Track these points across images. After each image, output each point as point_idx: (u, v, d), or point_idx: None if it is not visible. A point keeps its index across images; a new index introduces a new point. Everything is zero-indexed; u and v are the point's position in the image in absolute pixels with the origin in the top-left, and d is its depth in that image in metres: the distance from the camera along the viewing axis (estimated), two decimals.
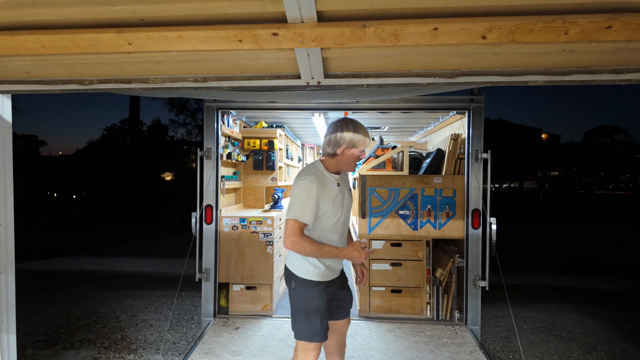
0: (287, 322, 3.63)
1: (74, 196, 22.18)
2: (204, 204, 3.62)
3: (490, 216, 3.32)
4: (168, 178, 24.09)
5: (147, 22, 1.49)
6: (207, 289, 3.68)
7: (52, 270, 6.91)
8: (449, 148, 3.89)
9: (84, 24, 1.50)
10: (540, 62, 1.80)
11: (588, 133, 37.48)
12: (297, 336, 2.09)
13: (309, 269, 2.03)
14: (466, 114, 3.55)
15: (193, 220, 3.46)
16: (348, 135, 1.90)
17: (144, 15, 1.45)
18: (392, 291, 3.78)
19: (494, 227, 3.27)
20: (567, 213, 18.01)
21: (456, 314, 3.70)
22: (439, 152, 4.11)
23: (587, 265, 7.51)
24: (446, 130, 4.51)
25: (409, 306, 3.78)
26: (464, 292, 3.58)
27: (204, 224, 3.65)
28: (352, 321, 2.52)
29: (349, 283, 2.31)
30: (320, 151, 2.29)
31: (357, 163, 2.10)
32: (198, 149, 3.65)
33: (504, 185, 29.91)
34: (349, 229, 2.29)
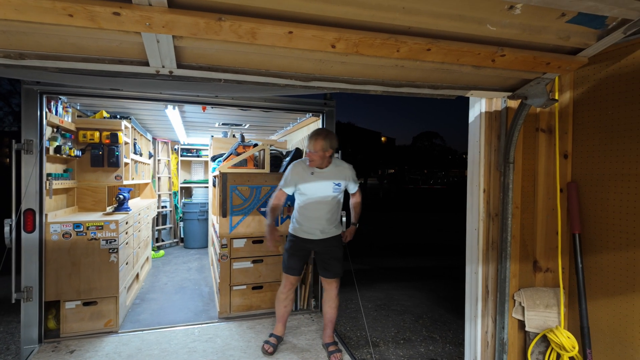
0: (136, 336, 3.28)
1: None
2: (23, 208, 2.95)
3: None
4: None
5: None
6: (29, 311, 3.03)
7: None
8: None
9: None
10: (379, 74, 2.07)
11: (416, 137, 45.01)
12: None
13: (291, 226, 3.12)
14: (320, 116, 3.82)
15: (7, 229, 2.79)
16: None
17: None
18: (254, 288, 3.81)
19: (344, 219, 3.60)
20: (401, 205, 21.24)
21: (312, 302, 3.96)
22: (298, 151, 4.31)
23: (415, 247, 9.00)
24: (304, 131, 4.77)
25: (269, 300, 3.86)
26: (318, 281, 3.85)
27: (23, 232, 2.98)
28: (211, 324, 3.54)
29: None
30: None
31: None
32: (14, 141, 2.95)
33: None
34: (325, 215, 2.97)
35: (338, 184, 2.94)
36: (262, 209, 3.78)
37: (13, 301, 2.93)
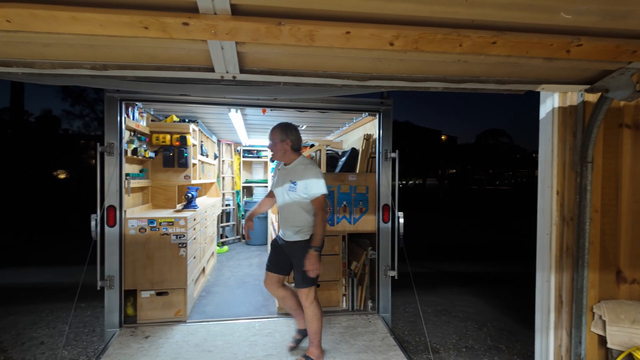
0: (202, 326, 3.49)
1: None
2: (106, 204, 3.28)
3: (398, 210, 3.58)
4: (61, 176, 21.25)
5: None
6: (111, 298, 3.36)
7: None
8: (362, 147, 4.10)
9: None
10: (439, 70, 2.00)
11: (479, 135, 42.66)
12: None
13: None
14: (377, 115, 3.77)
15: (93, 223, 3.11)
16: None
17: None
18: None
19: (401, 220, 3.53)
20: (463, 206, 20.25)
21: (369, 304, 3.93)
22: (354, 151, 4.31)
23: (479, 251, 8.54)
24: (359, 131, 4.74)
25: (326, 299, 3.90)
26: (376, 283, 3.81)
27: (106, 226, 3.31)
28: (271, 319, 3.62)
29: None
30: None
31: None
32: (98, 144, 3.29)
33: (410, 182, 32.52)
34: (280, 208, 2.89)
35: (294, 183, 2.74)
36: None
37: (98, 288, 3.27)
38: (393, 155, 3.67)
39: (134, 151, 3.74)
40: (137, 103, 3.78)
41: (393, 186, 3.69)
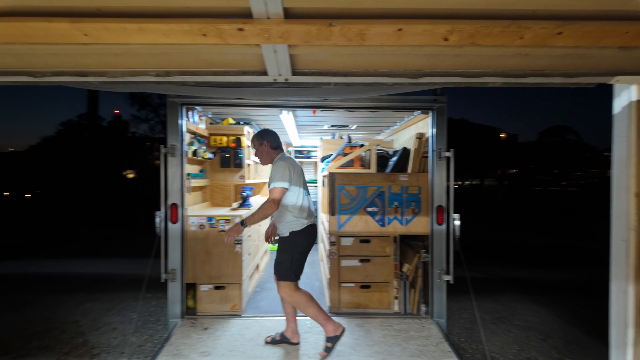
0: (256, 321, 3.61)
1: (28, 195, 20.87)
2: (169, 202, 3.51)
3: (454, 212, 3.44)
4: (130, 176, 23.12)
5: (105, 13, 1.43)
6: (174, 290, 3.59)
7: (2, 274, 6.48)
8: (414, 146, 3.99)
9: (34, 11, 1.42)
10: (497, 65, 1.89)
11: (543, 132, 39.61)
12: None
13: None
14: (430, 113, 3.65)
15: (157, 220, 3.35)
16: None
17: (100, 5, 1.39)
18: (362, 287, 3.85)
19: (457, 222, 3.39)
20: (526, 209, 18.98)
21: (422, 308, 3.82)
22: (405, 151, 4.21)
23: (543, 256, 7.95)
24: (411, 129, 4.63)
25: (377, 301, 3.85)
26: (429, 286, 3.70)
27: (169, 223, 3.54)
28: None
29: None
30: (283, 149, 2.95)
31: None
32: (162, 146, 3.53)
33: (466, 183, 31.08)
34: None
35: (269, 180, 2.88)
36: (369, 209, 3.79)
37: (162, 281, 3.51)
38: (447, 154, 3.54)
39: (194, 152, 3.96)
40: (196, 107, 4.00)
41: (448, 186, 3.55)
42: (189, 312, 3.75)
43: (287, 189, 2.82)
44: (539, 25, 1.46)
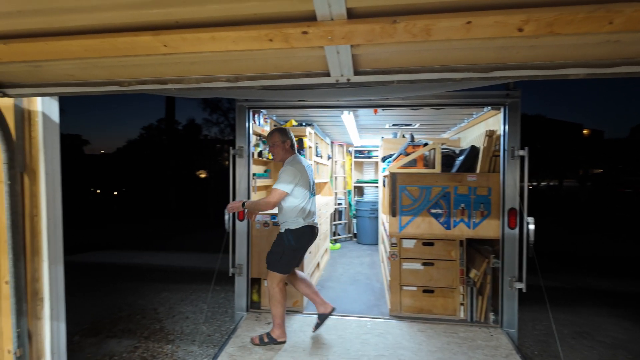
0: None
1: (116, 193, 23.29)
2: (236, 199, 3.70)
3: (528, 215, 3.19)
4: (202, 176, 24.77)
5: (181, 24, 1.54)
6: (240, 284, 3.77)
7: (94, 263, 7.32)
8: (483, 145, 3.77)
9: (122, 27, 1.58)
10: (580, 54, 1.71)
11: (635, 128, 35.04)
12: None
13: None
14: (501, 109, 3.43)
15: (226, 217, 3.54)
16: None
17: (178, 17, 1.51)
18: (424, 291, 3.72)
19: (531, 227, 3.14)
20: (612, 213, 16.97)
21: (491, 316, 3.59)
22: (473, 149, 3.99)
23: (634, 265, 7.05)
24: (480, 127, 4.38)
25: (441, 306, 3.70)
26: (499, 294, 3.47)
27: (237, 220, 3.73)
28: (382, 320, 3.66)
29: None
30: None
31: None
32: (230, 148, 3.74)
33: (542, 184, 28.59)
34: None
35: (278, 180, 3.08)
36: (433, 211, 3.65)
37: (230, 275, 3.71)
38: (521, 152, 3.29)
39: (260, 153, 4.13)
40: (262, 110, 4.17)
41: (521, 188, 3.30)
42: (254, 305, 3.92)
43: (287, 194, 3.04)
44: (632, 7, 1.29)
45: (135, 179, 22.04)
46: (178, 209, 16.63)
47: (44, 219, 2.37)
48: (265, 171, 4.55)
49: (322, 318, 3.33)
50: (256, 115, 4.09)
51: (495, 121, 3.75)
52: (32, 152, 2.37)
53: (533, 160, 2.70)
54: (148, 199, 19.44)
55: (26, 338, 2.28)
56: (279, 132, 3.21)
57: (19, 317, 2.23)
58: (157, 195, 18.62)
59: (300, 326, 3.51)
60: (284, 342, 3.16)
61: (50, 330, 2.39)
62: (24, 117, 2.35)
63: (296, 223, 3.12)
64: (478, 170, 3.76)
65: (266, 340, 3.14)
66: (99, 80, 2.08)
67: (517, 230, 3.38)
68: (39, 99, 2.37)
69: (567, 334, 3.92)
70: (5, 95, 2.10)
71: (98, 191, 23.25)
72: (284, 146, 3.19)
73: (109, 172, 23.26)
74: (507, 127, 3.36)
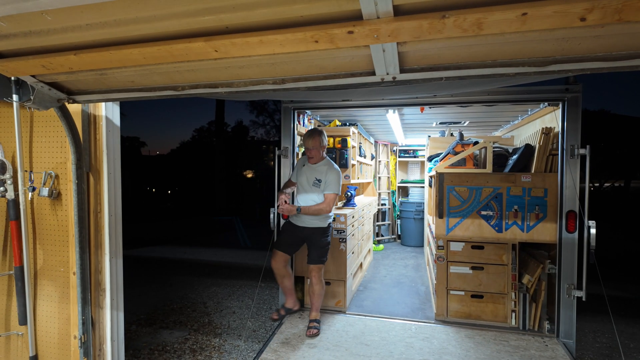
0: (360, 320, 3.65)
1: (169, 191, 24.67)
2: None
3: (589, 219, 2.96)
4: (249, 175, 25.54)
5: (231, 30, 1.60)
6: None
7: (149, 257, 7.79)
8: (539, 143, 3.55)
9: (177, 35, 1.66)
10: None
11: None
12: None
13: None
14: (560, 105, 3.21)
15: (272, 216, 3.63)
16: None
17: (228, 23, 1.56)
18: (472, 296, 3.58)
19: (592, 231, 2.91)
20: None
21: (546, 325, 3.38)
22: (528, 148, 3.77)
23: None
24: (536, 124, 4.12)
25: (491, 313, 3.54)
26: (555, 302, 3.25)
27: (282, 219, 3.80)
28: (428, 324, 3.62)
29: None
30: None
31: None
32: (276, 148, 3.82)
33: (606, 185, 26.33)
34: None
35: (319, 180, 3.32)
36: (483, 212, 3.49)
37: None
38: (582, 151, 3.06)
39: (304, 154, 4.18)
40: (306, 111, 4.22)
41: (582, 189, 3.07)
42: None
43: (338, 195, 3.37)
44: None
45: (187, 178, 23.22)
46: (227, 207, 17.27)
47: (106, 215, 2.56)
48: None
49: (288, 311, 3.67)
50: (301, 116, 4.14)
51: (552, 118, 3.52)
52: (97, 153, 2.57)
53: (596, 159, 2.49)
54: (198, 197, 20.38)
55: (90, 325, 2.47)
56: (321, 134, 3.35)
57: (84, 306, 2.43)
58: (207, 194, 19.47)
59: (342, 326, 3.51)
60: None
61: (111, 319, 2.57)
62: (90, 121, 2.55)
63: (332, 216, 3.54)
64: (533, 170, 3.55)
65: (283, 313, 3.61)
66: (156, 85, 2.21)
67: (576, 234, 3.15)
68: (103, 104, 2.56)
69: (634, 348, 3.58)
70: (74, 101, 2.29)
71: (154, 190, 24.74)
72: (323, 149, 3.38)
73: (163, 172, 24.69)
74: (566, 124, 3.14)
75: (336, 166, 3.43)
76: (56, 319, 2.49)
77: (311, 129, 3.45)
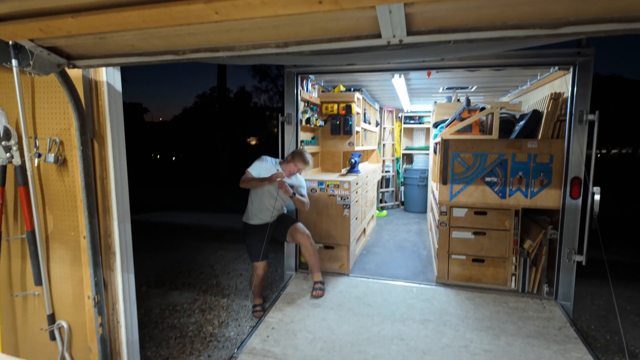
0: (363, 282, 3.76)
1: (173, 158, 24.75)
2: None
3: (594, 185, 2.96)
4: (252, 142, 25.46)
5: None
6: (289, 246, 3.94)
7: (156, 222, 7.95)
8: (547, 109, 3.49)
9: None
10: None
11: None
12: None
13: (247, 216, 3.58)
14: (570, 69, 3.12)
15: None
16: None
17: None
18: (474, 260, 3.66)
19: (597, 197, 2.91)
20: None
21: (545, 288, 3.47)
22: (535, 114, 3.71)
23: None
24: (545, 89, 4.03)
25: (491, 276, 3.63)
26: (555, 266, 3.32)
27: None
28: (429, 286, 3.70)
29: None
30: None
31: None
32: (279, 115, 3.78)
33: (613, 152, 26.04)
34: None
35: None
36: (487, 179, 3.50)
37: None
38: (591, 117, 3.01)
39: (307, 120, 4.14)
40: (310, 76, 4.13)
41: (589, 155, 3.05)
42: (302, 266, 4.09)
43: None
44: None
45: (190, 145, 23.20)
46: (229, 174, 17.37)
47: (112, 181, 2.59)
48: (313, 138, 4.57)
49: (263, 306, 3.66)
50: (304, 82, 4.07)
51: (561, 83, 3.43)
52: (100, 119, 2.56)
53: (604, 125, 2.45)
54: (202, 164, 20.46)
55: (102, 286, 2.57)
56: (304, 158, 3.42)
57: (95, 268, 2.51)
58: (210, 161, 19.52)
59: (346, 287, 3.63)
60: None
61: (122, 281, 2.66)
62: (91, 87, 2.52)
63: None
64: (539, 137, 3.51)
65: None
66: (156, 49, 2.16)
67: (579, 200, 3.16)
68: (103, 69, 2.52)
69: (630, 310, 3.69)
70: (75, 66, 2.25)
71: (158, 157, 24.82)
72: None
73: (166, 139, 24.64)
74: (576, 89, 3.07)
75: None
76: (70, 280, 2.59)
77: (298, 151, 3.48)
